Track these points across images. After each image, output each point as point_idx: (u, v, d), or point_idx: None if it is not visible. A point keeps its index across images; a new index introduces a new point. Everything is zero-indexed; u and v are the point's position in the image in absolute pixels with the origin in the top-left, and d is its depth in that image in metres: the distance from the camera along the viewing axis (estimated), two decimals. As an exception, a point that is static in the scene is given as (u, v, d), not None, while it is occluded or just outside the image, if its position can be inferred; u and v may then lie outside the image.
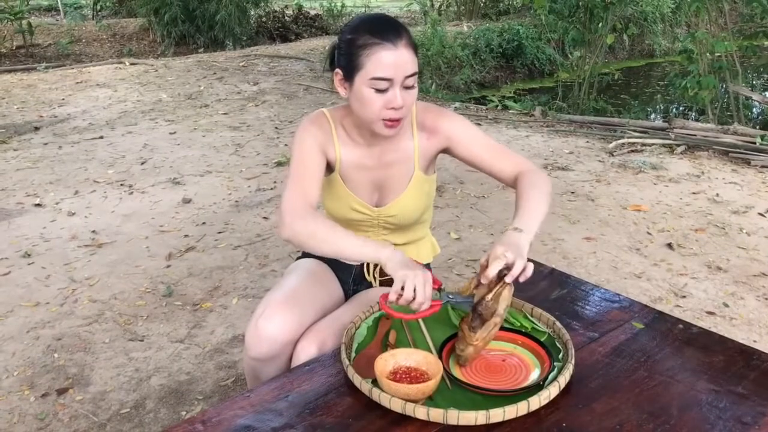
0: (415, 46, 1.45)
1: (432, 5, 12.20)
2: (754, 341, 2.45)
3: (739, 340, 1.43)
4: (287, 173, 1.53)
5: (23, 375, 2.31)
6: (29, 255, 3.22)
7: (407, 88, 1.43)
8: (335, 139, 1.57)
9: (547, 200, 1.46)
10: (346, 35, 1.45)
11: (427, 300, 1.29)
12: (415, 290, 1.28)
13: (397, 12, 13.72)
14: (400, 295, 1.29)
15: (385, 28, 1.41)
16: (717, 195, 3.91)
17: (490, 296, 1.28)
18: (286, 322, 1.46)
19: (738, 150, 4.67)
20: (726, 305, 2.72)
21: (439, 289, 1.37)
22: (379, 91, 1.41)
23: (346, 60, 1.45)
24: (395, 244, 1.69)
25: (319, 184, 1.52)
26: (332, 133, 1.57)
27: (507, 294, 1.30)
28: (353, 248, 1.39)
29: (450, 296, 1.36)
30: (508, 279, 1.27)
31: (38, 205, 3.87)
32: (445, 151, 1.60)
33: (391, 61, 1.39)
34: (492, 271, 1.26)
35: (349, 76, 1.45)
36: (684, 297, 2.78)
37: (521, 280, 1.29)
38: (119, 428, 2.06)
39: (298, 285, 1.58)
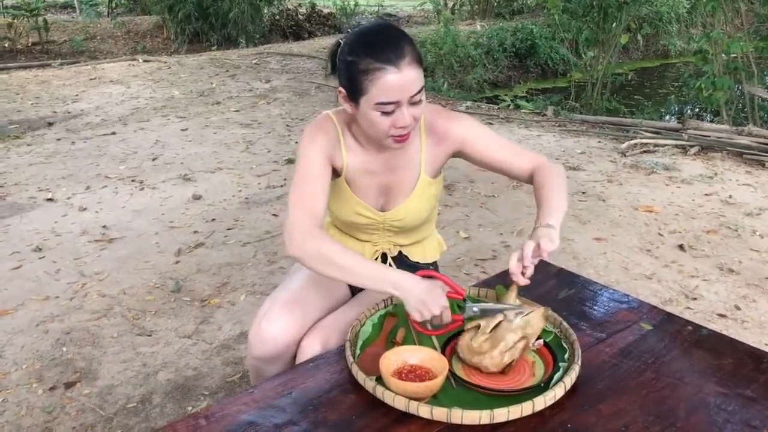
0: (419, 59, 1.39)
1: (445, 4, 12.16)
2: (766, 344, 2.42)
3: (751, 343, 1.40)
4: (292, 184, 1.48)
5: (32, 368, 2.33)
6: (40, 249, 3.24)
7: (414, 103, 1.39)
8: (342, 145, 1.53)
9: (565, 193, 1.51)
10: (345, 56, 1.39)
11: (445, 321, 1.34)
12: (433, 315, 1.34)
13: (410, 11, 13.71)
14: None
15: (386, 48, 1.34)
16: (730, 197, 3.87)
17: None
18: (288, 324, 1.46)
19: (752, 152, 4.61)
20: (738, 308, 2.69)
21: (464, 299, 1.37)
22: (385, 113, 1.37)
23: (348, 82, 1.39)
24: (401, 245, 1.68)
25: (325, 200, 1.48)
26: (339, 139, 1.52)
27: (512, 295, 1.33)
28: (368, 278, 1.38)
29: (474, 309, 1.35)
30: (544, 255, 1.33)
31: (50, 199, 3.90)
32: (456, 154, 1.58)
33: (396, 85, 1.34)
34: (527, 251, 1.33)
35: (354, 97, 1.40)
36: (695, 299, 2.75)
37: (545, 254, 1.34)
38: (126, 422, 2.07)
39: (302, 285, 1.58)
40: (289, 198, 1.46)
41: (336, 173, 1.56)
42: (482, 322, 1.30)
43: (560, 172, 1.54)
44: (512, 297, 1.36)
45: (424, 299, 1.31)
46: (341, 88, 1.43)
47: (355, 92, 1.39)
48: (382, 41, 1.37)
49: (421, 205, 1.60)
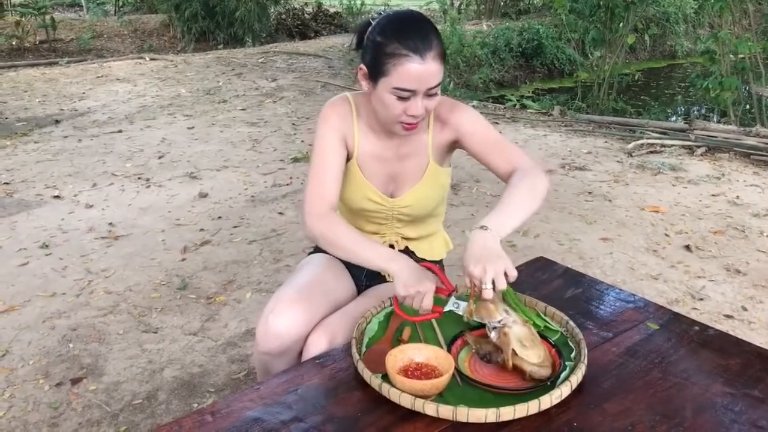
0: (443, 54, 1.42)
1: (452, 4, 12.14)
2: (773, 346, 2.41)
3: (758, 345, 1.40)
4: (310, 165, 1.56)
5: (38, 364, 2.34)
6: (47, 246, 3.25)
7: (429, 95, 1.43)
8: (355, 127, 1.57)
9: (531, 200, 1.42)
10: (375, 35, 1.43)
11: (424, 309, 1.33)
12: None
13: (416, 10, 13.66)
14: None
15: (415, 37, 1.38)
16: (737, 197, 3.86)
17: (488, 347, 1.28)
18: (296, 319, 1.46)
19: (760, 152, 4.60)
20: (744, 309, 2.68)
21: (450, 295, 1.37)
22: (401, 98, 1.41)
23: (372, 61, 1.43)
24: (408, 239, 1.69)
25: (339, 181, 1.54)
26: (353, 121, 1.57)
27: (490, 306, 1.29)
28: (368, 257, 1.42)
29: (455, 305, 1.36)
30: (501, 285, 1.25)
31: (57, 197, 3.91)
32: (459, 145, 1.59)
33: (417, 75, 1.38)
34: (489, 296, 1.26)
35: (374, 77, 1.44)
36: (701, 300, 2.74)
37: (510, 279, 1.28)
38: (131, 419, 2.07)
39: (309, 280, 1.58)
40: (308, 179, 1.54)
41: (347, 155, 1.59)
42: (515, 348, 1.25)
43: (534, 179, 1.45)
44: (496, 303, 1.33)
45: (413, 280, 1.32)
46: (362, 66, 1.47)
47: (376, 72, 1.42)
48: (413, 30, 1.40)
49: (429, 193, 1.61)
